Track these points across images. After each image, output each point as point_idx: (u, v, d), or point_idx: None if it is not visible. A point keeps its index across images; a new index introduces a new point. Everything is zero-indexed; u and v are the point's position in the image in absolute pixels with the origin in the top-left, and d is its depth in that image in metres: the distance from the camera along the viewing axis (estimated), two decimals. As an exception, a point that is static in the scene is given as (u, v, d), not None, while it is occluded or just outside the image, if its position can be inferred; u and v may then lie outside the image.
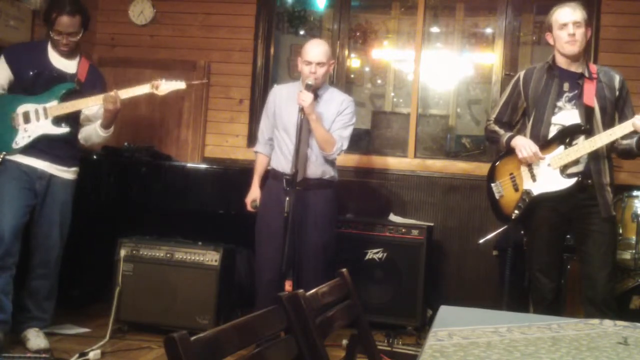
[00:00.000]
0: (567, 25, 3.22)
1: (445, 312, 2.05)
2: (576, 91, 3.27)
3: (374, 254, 4.52)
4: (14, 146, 3.53)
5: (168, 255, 4.09)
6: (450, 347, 1.61)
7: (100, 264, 4.22)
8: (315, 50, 3.55)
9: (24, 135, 3.53)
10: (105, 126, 3.67)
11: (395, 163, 5.13)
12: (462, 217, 4.94)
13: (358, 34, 5.98)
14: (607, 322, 2.02)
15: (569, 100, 3.28)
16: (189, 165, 4.92)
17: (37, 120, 3.55)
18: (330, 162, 3.64)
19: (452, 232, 4.96)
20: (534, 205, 3.30)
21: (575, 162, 3.22)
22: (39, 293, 3.68)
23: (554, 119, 3.27)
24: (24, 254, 3.62)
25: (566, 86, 3.28)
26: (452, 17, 5.81)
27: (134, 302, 4.05)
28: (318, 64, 3.53)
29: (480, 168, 4.97)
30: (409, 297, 4.45)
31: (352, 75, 6.01)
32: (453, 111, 5.88)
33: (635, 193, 3.97)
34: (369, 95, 6.23)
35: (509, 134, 3.41)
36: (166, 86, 3.58)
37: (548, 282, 3.32)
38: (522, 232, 3.87)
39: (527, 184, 3.32)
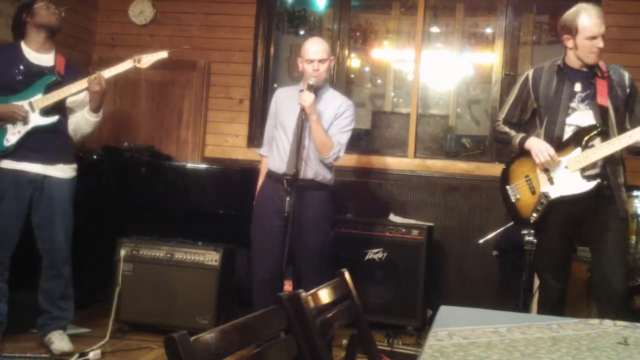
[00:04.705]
0: (597, 38, 3.15)
1: (445, 312, 2.05)
2: (589, 91, 3.22)
3: (374, 254, 4.52)
4: (6, 144, 3.50)
5: (168, 255, 4.09)
6: (450, 347, 1.61)
7: (100, 264, 4.22)
8: (316, 48, 3.55)
9: (14, 131, 3.51)
10: (94, 109, 3.63)
11: (395, 163, 5.13)
12: (462, 217, 4.95)
13: (358, 34, 5.98)
14: (607, 322, 2.02)
15: (582, 101, 3.23)
16: (189, 165, 4.92)
17: None
18: (326, 165, 3.62)
19: (452, 232, 4.96)
20: (551, 207, 3.25)
21: (593, 164, 3.17)
22: (53, 294, 3.69)
23: (569, 120, 3.22)
24: (37, 256, 3.65)
25: (578, 86, 3.24)
26: (452, 17, 5.81)
27: (134, 302, 4.05)
28: (320, 61, 3.53)
29: (480, 168, 4.97)
30: (409, 297, 4.45)
31: (352, 75, 6.01)
32: (453, 111, 5.88)
33: (635, 193, 3.97)
34: (369, 95, 6.23)
35: (521, 135, 3.35)
36: (148, 58, 3.57)
37: (555, 283, 3.30)
38: (524, 232, 3.85)
39: (544, 187, 3.27)
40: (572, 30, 3.22)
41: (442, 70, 5.66)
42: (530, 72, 3.41)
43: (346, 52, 5.47)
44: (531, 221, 3.31)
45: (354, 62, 6.05)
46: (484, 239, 4.19)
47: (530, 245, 3.76)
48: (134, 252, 4.11)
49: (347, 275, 2.06)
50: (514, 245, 4.12)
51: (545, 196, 3.25)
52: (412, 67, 5.31)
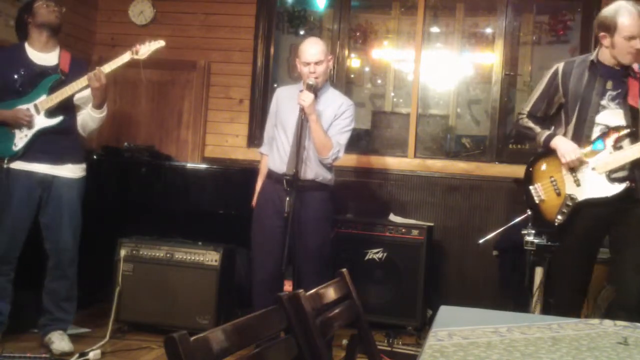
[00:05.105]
0: (636, 39, 3.03)
1: (445, 312, 2.05)
2: (620, 90, 3.13)
3: (374, 254, 4.52)
4: (14, 149, 3.52)
5: (168, 255, 4.09)
6: (450, 347, 1.61)
7: (100, 264, 4.22)
8: (312, 50, 3.55)
9: (21, 135, 3.53)
10: (96, 106, 3.64)
11: (395, 163, 5.13)
12: (462, 217, 4.95)
13: (358, 34, 5.98)
14: (607, 322, 2.02)
15: (613, 99, 3.13)
16: (189, 165, 4.92)
17: None
18: (326, 166, 3.61)
19: (452, 232, 4.96)
20: (577, 209, 3.15)
21: (621, 166, 3.08)
22: (57, 294, 3.69)
23: (598, 119, 3.13)
24: (38, 257, 3.65)
25: (610, 84, 3.13)
26: (452, 17, 5.81)
27: (134, 302, 4.05)
28: (316, 63, 3.52)
29: (480, 168, 4.97)
30: (409, 297, 4.45)
31: (352, 75, 6.01)
32: (453, 111, 5.88)
33: None
34: (369, 95, 6.23)
35: (547, 133, 3.24)
36: (146, 49, 3.57)
37: (574, 286, 3.22)
38: (524, 232, 3.84)
39: (569, 189, 3.16)
40: (610, 28, 3.08)
41: (442, 70, 5.66)
42: (561, 66, 3.28)
43: (346, 52, 5.46)
44: (556, 223, 3.20)
45: (354, 62, 6.06)
46: (484, 239, 4.18)
47: (530, 245, 3.76)
48: (134, 252, 4.11)
49: (347, 275, 2.06)
50: (514, 245, 4.12)
51: (572, 198, 3.14)
52: (412, 67, 5.31)
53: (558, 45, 5.48)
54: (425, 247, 4.49)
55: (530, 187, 3.29)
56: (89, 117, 3.69)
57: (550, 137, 3.22)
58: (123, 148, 4.82)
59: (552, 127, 3.33)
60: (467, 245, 4.84)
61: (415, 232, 4.51)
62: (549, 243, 3.74)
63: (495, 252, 4.51)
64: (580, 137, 3.15)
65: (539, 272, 3.77)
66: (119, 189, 4.61)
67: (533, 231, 3.78)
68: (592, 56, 3.21)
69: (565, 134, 3.22)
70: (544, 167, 3.27)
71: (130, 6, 5.46)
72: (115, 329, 3.99)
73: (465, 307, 2.14)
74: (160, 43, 3.60)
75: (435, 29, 5.77)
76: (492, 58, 5.26)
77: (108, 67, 3.55)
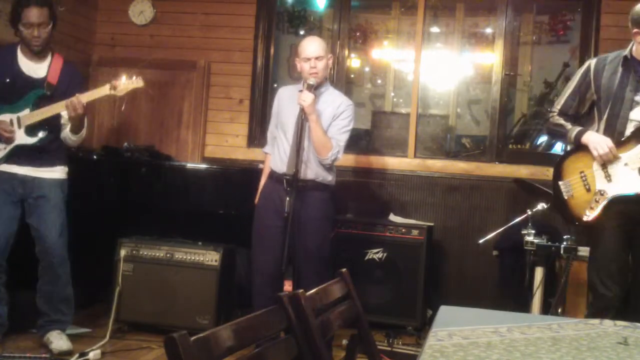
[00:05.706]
0: None
1: (445, 312, 2.05)
2: None
3: (374, 254, 4.52)
4: None
5: (168, 255, 4.09)
6: (450, 347, 1.61)
7: (100, 264, 4.22)
8: (312, 46, 3.56)
9: (1, 147, 3.52)
10: (73, 131, 3.61)
11: (395, 163, 5.12)
12: (462, 217, 4.94)
13: (358, 34, 5.98)
14: (607, 322, 2.02)
15: None
16: (189, 165, 4.92)
17: None
18: (325, 166, 3.60)
19: (452, 232, 4.96)
20: (607, 206, 3.09)
21: None
22: (52, 296, 3.68)
23: (631, 115, 3.08)
24: (35, 259, 3.64)
25: None
26: (452, 17, 5.81)
27: (134, 302, 4.05)
28: (317, 58, 3.53)
29: (480, 168, 4.97)
30: (409, 297, 4.45)
31: (352, 75, 6.01)
32: (453, 111, 5.87)
33: None
34: (369, 95, 6.22)
35: (578, 129, 3.19)
36: (124, 86, 3.53)
37: (609, 285, 3.11)
38: (524, 232, 3.85)
39: (600, 184, 3.11)
40: None
41: (442, 70, 5.65)
42: (593, 62, 3.26)
43: (346, 52, 5.46)
44: (584, 220, 3.14)
45: (354, 62, 6.05)
46: (484, 239, 4.18)
47: (530, 245, 3.77)
48: (134, 252, 4.11)
49: (347, 275, 2.06)
50: (514, 245, 4.12)
51: (602, 194, 3.10)
52: (412, 67, 5.30)
53: (558, 45, 5.47)
54: (425, 247, 4.49)
55: (560, 183, 3.23)
56: (67, 137, 3.66)
57: (581, 133, 3.17)
58: (123, 148, 4.82)
59: (584, 126, 3.27)
60: (467, 245, 4.83)
61: (415, 232, 4.51)
62: (549, 243, 3.75)
63: (495, 252, 4.51)
64: (613, 133, 3.11)
65: (539, 272, 3.78)
66: (119, 189, 4.61)
67: (533, 231, 3.78)
68: (626, 52, 3.17)
69: (597, 131, 3.18)
70: (574, 163, 3.22)
71: (130, 6, 5.46)
72: (115, 329, 3.99)
73: (465, 307, 2.14)
74: (138, 83, 3.57)
75: (435, 29, 5.77)
76: (492, 58, 5.26)
77: (86, 98, 3.50)
